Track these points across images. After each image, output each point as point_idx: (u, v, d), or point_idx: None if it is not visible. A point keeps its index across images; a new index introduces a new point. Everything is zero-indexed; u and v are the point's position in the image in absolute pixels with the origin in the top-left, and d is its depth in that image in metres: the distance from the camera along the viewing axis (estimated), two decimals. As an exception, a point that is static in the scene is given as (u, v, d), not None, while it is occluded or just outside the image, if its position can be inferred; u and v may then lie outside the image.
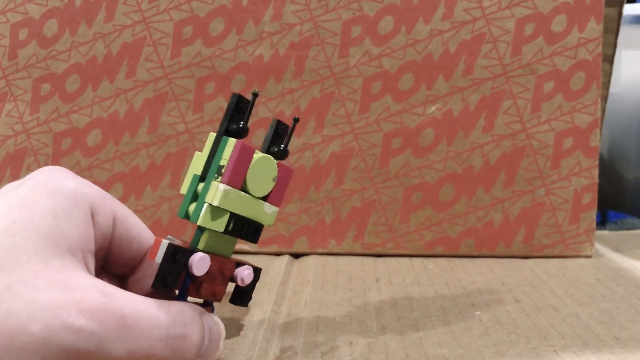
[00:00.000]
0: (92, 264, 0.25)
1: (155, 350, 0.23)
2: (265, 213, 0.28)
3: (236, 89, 0.46)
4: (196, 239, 0.27)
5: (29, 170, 0.46)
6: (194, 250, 0.26)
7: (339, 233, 0.47)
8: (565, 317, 0.34)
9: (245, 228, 0.28)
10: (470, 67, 0.46)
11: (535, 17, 0.45)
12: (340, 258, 0.47)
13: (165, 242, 0.25)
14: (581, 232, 0.47)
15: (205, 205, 0.26)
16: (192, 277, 0.26)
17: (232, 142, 0.26)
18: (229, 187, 0.26)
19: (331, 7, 0.45)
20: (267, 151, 0.29)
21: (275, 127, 0.29)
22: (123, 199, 0.46)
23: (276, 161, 0.28)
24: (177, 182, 0.46)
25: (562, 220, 0.47)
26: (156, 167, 0.47)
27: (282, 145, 0.29)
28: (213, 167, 0.26)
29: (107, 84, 0.46)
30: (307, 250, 0.47)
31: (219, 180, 0.26)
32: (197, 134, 0.46)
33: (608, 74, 0.49)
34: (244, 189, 0.27)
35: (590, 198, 0.46)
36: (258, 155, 0.27)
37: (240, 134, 0.27)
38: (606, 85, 0.49)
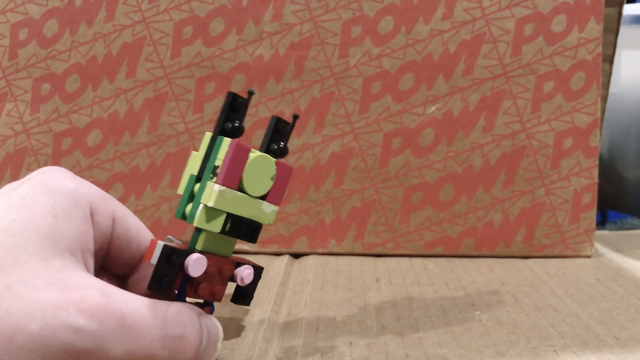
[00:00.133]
0: (91, 263, 0.25)
1: (154, 351, 0.23)
2: (265, 212, 0.28)
3: (236, 89, 0.46)
4: (194, 240, 0.26)
5: (29, 170, 0.46)
6: (191, 251, 0.26)
7: (339, 233, 0.47)
8: (565, 317, 0.34)
9: (243, 228, 0.27)
10: (470, 67, 0.46)
11: (535, 17, 0.45)
12: (340, 258, 0.47)
13: (160, 244, 0.24)
14: (581, 232, 0.47)
15: (201, 206, 0.26)
16: (189, 278, 0.26)
17: (227, 141, 0.26)
18: (224, 188, 0.26)
19: (331, 7, 0.45)
20: (267, 149, 0.28)
21: (275, 124, 0.29)
22: (123, 199, 0.46)
23: (275, 159, 0.28)
24: (177, 182, 0.46)
25: (562, 220, 0.47)
26: (156, 167, 0.47)
27: (282, 143, 0.29)
28: (208, 167, 0.26)
29: (107, 84, 0.46)
30: (307, 250, 0.47)
31: (214, 180, 0.26)
32: (197, 134, 0.46)
33: (608, 74, 0.49)
34: (240, 188, 0.27)
35: (590, 198, 0.46)
36: (255, 154, 0.27)
37: (236, 133, 0.27)
38: (606, 85, 0.49)
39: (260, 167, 0.27)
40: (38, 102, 0.46)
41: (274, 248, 0.47)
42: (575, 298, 0.37)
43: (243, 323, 0.33)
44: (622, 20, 0.49)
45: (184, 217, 0.27)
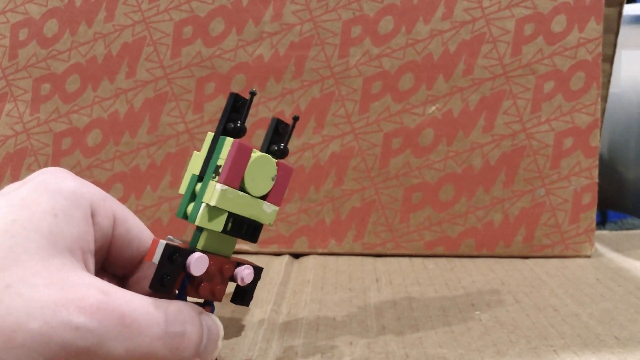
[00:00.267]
0: (91, 263, 0.25)
1: (154, 349, 0.23)
2: (265, 212, 0.28)
3: (236, 89, 0.46)
4: (195, 239, 0.27)
5: (29, 170, 0.46)
6: (193, 250, 0.26)
7: (339, 233, 0.47)
8: (565, 317, 0.34)
9: (244, 228, 0.28)
10: (470, 67, 0.46)
11: (535, 17, 0.45)
12: (340, 258, 0.47)
13: (162, 243, 0.25)
14: (581, 232, 0.47)
15: (203, 205, 0.26)
16: (191, 277, 0.26)
17: (229, 141, 0.26)
18: (226, 187, 0.26)
19: (331, 7, 0.45)
20: (267, 150, 0.29)
21: (275, 125, 0.29)
22: (123, 199, 0.46)
23: (276, 160, 0.28)
24: (177, 182, 0.46)
25: (562, 220, 0.47)
26: (156, 167, 0.47)
27: (282, 144, 0.29)
28: (210, 166, 0.26)
29: (107, 84, 0.46)
30: (307, 250, 0.47)
31: (216, 180, 0.26)
32: (197, 134, 0.46)
33: (608, 74, 0.49)
34: (242, 188, 0.27)
35: (590, 198, 0.46)
36: (256, 154, 0.27)
37: (238, 133, 0.27)
38: (606, 85, 0.49)
39: (261, 167, 0.27)
40: (38, 102, 0.46)
41: (274, 248, 0.47)
42: (575, 298, 0.37)
43: (243, 323, 0.33)
44: (622, 20, 0.49)
45: (185, 216, 0.27)
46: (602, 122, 0.49)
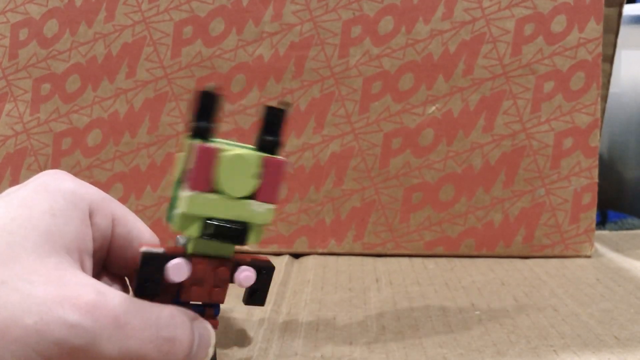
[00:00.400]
0: (88, 263, 0.25)
1: (145, 351, 0.23)
2: (256, 212, 0.26)
3: (236, 89, 0.46)
4: (187, 242, 0.26)
5: (29, 170, 0.46)
6: (173, 256, 0.25)
7: (339, 233, 0.47)
8: (565, 317, 0.34)
9: (230, 230, 0.26)
10: (470, 67, 0.46)
11: (535, 17, 0.45)
12: (340, 258, 0.47)
13: (142, 250, 0.24)
14: (581, 232, 0.47)
15: (177, 211, 0.25)
16: (177, 282, 0.26)
17: (193, 145, 0.25)
18: (193, 192, 0.25)
19: (331, 7, 0.45)
20: (260, 143, 0.27)
21: (265, 115, 0.26)
22: (123, 199, 0.46)
23: (261, 155, 0.26)
24: (177, 182, 0.46)
25: (562, 220, 0.46)
26: (156, 167, 0.47)
27: (272, 137, 0.26)
28: (183, 172, 0.25)
29: (107, 84, 0.46)
30: (307, 250, 0.47)
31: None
32: (197, 134, 0.46)
33: (608, 74, 0.49)
34: (218, 190, 0.25)
35: (590, 198, 0.46)
36: (228, 153, 0.25)
37: (205, 134, 0.25)
38: (606, 85, 0.49)
39: (237, 166, 0.25)
40: (38, 102, 0.46)
41: (274, 248, 0.47)
42: (575, 298, 0.37)
43: (243, 323, 0.33)
44: (622, 20, 0.49)
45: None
46: (602, 122, 0.49)
